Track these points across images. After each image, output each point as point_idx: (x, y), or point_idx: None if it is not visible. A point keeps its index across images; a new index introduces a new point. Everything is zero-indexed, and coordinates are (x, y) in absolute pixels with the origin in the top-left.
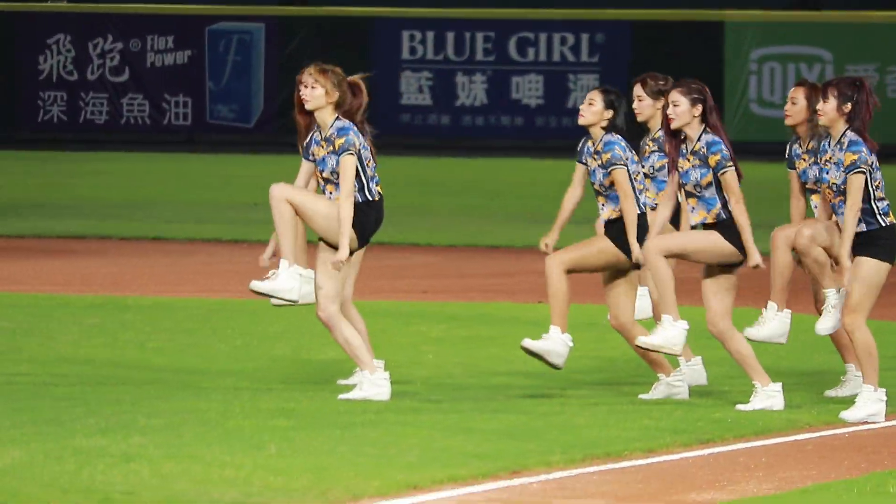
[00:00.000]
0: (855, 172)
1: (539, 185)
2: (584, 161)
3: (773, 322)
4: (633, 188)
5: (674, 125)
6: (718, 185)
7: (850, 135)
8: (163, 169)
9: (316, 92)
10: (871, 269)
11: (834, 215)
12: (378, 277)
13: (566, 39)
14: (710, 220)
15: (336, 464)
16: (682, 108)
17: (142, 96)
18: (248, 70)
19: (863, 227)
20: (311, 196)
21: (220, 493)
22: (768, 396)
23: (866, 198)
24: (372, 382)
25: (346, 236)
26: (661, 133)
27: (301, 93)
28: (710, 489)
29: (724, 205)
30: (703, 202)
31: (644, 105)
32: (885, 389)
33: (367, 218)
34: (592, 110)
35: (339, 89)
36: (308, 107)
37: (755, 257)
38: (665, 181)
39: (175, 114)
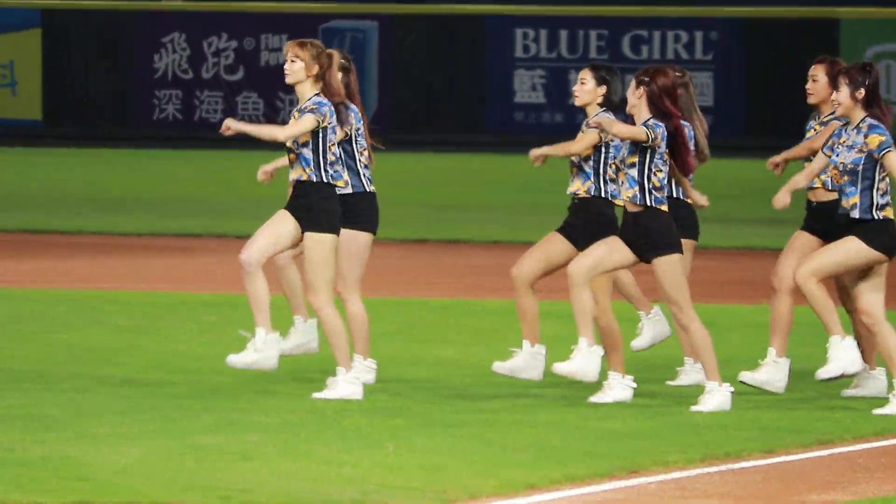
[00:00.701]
0: (887, 152)
1: None
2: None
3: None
4: (599, 170)
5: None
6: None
7: (870, 120)
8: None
9: (295, 66)
10: (856, 248)
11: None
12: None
13: (680, 37)
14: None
15: (452, 463)
16: (843, 95)
17: (256, 94)
18: (360, 68)
19: (856, 214)
20: (276, 235)
21: (337, 491)
22: (719, 393)
23: (870, 185)
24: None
25: (248, 126)
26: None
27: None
28: (831, 490)
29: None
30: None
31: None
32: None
33: (327, 202)
34: (585, 89)
35: (317, 62)
36: (288, 80)
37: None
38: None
39: (289, 112)
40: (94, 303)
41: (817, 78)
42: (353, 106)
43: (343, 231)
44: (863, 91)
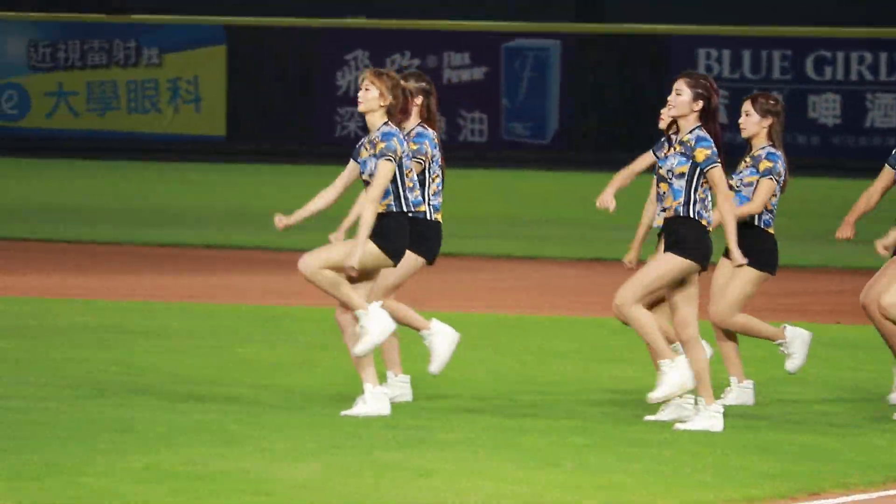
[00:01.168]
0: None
1: (833, 205)
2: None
3: None
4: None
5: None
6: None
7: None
8: (456, 184)
9: (370, 94)
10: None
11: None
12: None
13: (864, 58)
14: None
15: (631, 482)
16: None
17: (438, 112)
18: (543, 87)
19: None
20: (333, 249)
21: None
22: (710, 416)
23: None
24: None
25: (363, 239)
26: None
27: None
28: None
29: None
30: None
31: (751, 121)
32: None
33: (397, 226)
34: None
35: (392, 93)
36: (360, 108)
37: (737, 256)
38: (748, 198)
39: (470, 130)
40: (274, 317)
41: None
42: (429, 132)
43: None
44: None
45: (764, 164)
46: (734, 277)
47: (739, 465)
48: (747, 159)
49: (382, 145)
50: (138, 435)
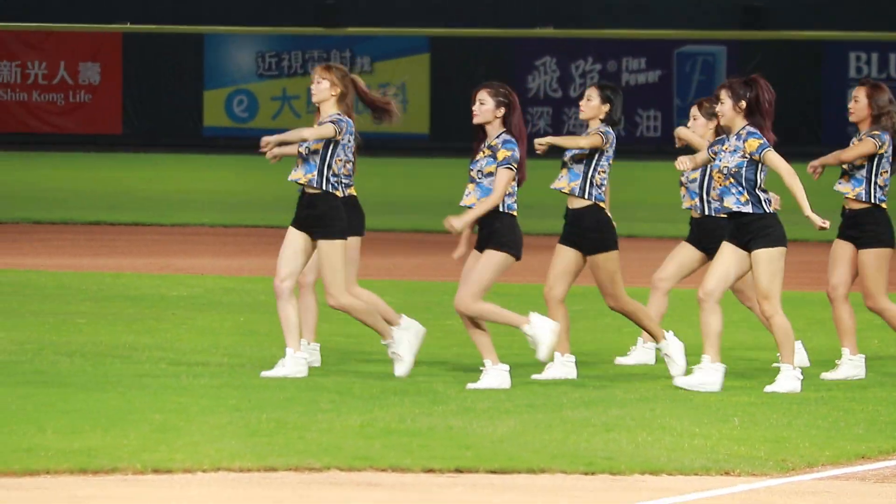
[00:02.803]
0: (768, 151)
1: None
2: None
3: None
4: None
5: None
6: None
7: (749, 128)
8: (634, 176)
9: (322, 86)
10: (772, 256)
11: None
12: None
13: None
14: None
15: (793, 435)
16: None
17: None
18: (710, 88)
19: (749, 209)
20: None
21: (689, 459)
22: (498, 373)
23: (753, 186)
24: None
25: (280, 136)
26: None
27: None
28: None
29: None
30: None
31: (698, 124)
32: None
33: (334, 210)
34: (591, 105)
35: (342, 83)
36: (314, 100)
37: (459, 222)
38: (696, 193)
39: (646, 127)
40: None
41: (859, 99)
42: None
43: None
44: (744, 103)
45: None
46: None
47: (890, 419)
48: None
49: (336, 118)
50: (356, 397)
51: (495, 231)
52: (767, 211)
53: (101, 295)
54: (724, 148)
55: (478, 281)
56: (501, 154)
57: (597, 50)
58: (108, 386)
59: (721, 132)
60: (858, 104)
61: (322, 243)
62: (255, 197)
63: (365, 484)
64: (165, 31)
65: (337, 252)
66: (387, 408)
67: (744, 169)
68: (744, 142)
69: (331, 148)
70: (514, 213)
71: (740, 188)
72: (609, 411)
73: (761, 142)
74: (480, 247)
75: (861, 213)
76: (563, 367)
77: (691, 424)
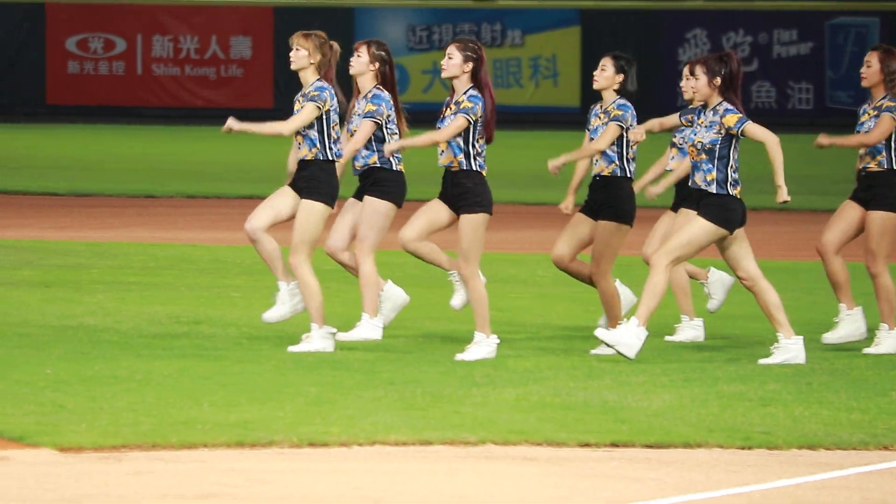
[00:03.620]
0: (745, 124)
1: None
2: (588, 126)
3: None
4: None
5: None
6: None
7: (725, 104)
8: (785, 147)
9: (300, 54)
10: (701, 228)
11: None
12: None
13: None
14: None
15: None
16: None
17: (769, 84)
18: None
19: (712, 189)
20: (277, 207)
21: (847, 434)
22: (487, 345)
23: (726, 164)
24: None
25: (247, 125)
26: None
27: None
28: None
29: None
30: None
31: (699, 84)
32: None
33: (327, 175)
34: (605, 75)
35: (320, 51)
36: (293, 67)
37: (392, 145)
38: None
39: (798, 99)
40: (625, 267)
41: (871, 64)
42: (384, 94)
43: (366, 198)
44: (719, 79)
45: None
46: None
47: None
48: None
49: (315, 94)
50: (510, 371)
51: (468, 191)
52: (730, 193)
53: (256, 269)
54: (699, 121)
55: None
56: (464, 105)
57: (748, 22)
58: (262, 359)
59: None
60: (871, 69)
61: (305, 202)
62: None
63: (520, 458)
64: (316, 5)
65: (318, 214)
66: (541, 381)
67: (717, 146)
68: (721, 117)
69: (323, 120)
70: (483, 172)
71: (711, 165)
72: (766, 385)
73: (740, 116)
74: (453, 205)
75: (877, 175)
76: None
77: (848, 398)
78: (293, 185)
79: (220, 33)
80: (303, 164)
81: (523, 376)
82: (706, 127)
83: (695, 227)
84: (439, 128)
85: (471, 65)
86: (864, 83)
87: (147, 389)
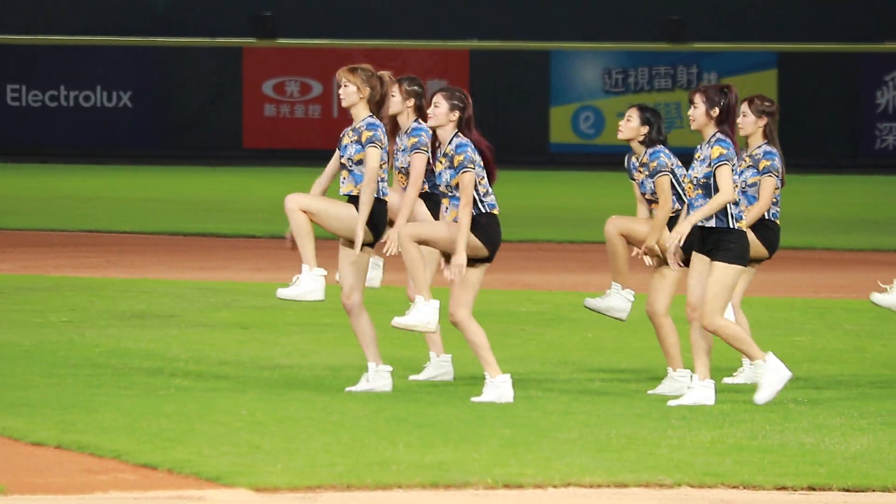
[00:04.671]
0: (721, 164)
1: None
2: (633, 177)
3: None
4: (678, 192)
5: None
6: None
7: (719, 135)
8: None
9: (348, 90)
10: (723, 272)
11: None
12: None
13: None
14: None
15: None
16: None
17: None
18: None
19: (712, 224)
20: (324, 201)
21: None
22: (496, 387)
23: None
24: (377, 374)
25: (362, 219)
26: (758, 149)
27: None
28: None
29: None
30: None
31: (747, 121)
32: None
33: (377, 213)
34: (630, 126)
35: (368, 84)
36: (343, 104)
37: (458, 258)
38: (755, 197)
39: None
40: (824, 308)
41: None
42: (423, 125)
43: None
44: (717, 110)
45: (763, 164)
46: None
47: None
48: (746, 158)
49: (369, 133)
50: (706, 413)
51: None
52: (732, 226)
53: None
54: (696, 156)
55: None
56: (457, 159)
57: None
58: (457, 401)
59: (767, 133)
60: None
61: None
62: (599, 213)
63: (717, 501)
64: (512, 48)
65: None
66: (737, 424)
67: (712, 179)
68: (711, 148)
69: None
70: (495, 212)
71: (708, 199)
72: None
73: (724, 152)
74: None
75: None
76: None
77: None
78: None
79: (417, 76)
80: (352, 199)
81: (719, 419)
82: (700, 161)
83: (718, 274)
84: (439, 185)
85: (457, 113)
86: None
87: (342, 430)
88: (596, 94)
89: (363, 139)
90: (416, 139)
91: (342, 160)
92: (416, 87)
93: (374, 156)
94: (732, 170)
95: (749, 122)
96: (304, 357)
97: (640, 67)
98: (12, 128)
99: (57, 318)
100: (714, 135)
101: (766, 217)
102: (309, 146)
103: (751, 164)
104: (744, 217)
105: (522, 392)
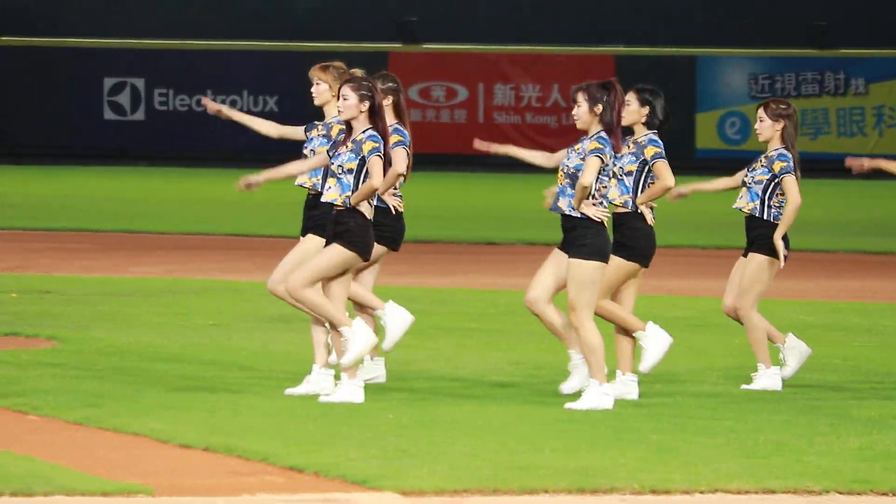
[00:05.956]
0: (593, 156)
1: None
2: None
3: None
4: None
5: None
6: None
7: (602, 133)
8: None
9: (320, 87)
10: (580, 269)
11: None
12: None
13: None
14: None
15: None
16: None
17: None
18: None
19: (577, 214)
20: (292, 257)
21: None
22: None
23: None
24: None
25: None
26: (774, 151)
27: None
28: None
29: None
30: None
31: (764, 126)
32: (610, 384)
33: (359, 226)
34: (630, 110)
35: (340, 82)
36: (316, 102)
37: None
38: (758, 195)
39: None
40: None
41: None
42: (401, 127)
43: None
44: (601, 107)
45: (778, 165)
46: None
47: None
48: (762, 159)
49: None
50: (854, 420)
51: (349, 229)
52: (583, 216)
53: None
54: (575, 147)
55: (313, 268)
56: (368, 146)
57: None
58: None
59: (785, 137)
60: (763, 124)
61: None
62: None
63: None
64: (657, 54)
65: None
66: (886, 431)
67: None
68: (589, 142)
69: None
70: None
71: (573, 191)
72: None
73: (596, 147)
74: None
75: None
76: (624, 387)
77: None
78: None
79: (561, 82)
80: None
81: (867, 426)
82: (577, 153)
83: (571, 271)
84: (332, 163)
85: (367, 104)
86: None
87: (487, 434)
88: (742, 100)
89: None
90: (401, 137)
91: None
92: (391, 84)
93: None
94: (603, 165)
95: (766, 127)
96: (448, 361)
97: (786, 73)
98: (160, 133)
99: (203, 321)
100: (598, 132)
101: (766, 217)
102: (454, 151)
103: (765, 164)
104: (780, 217)
105: (669, 398)
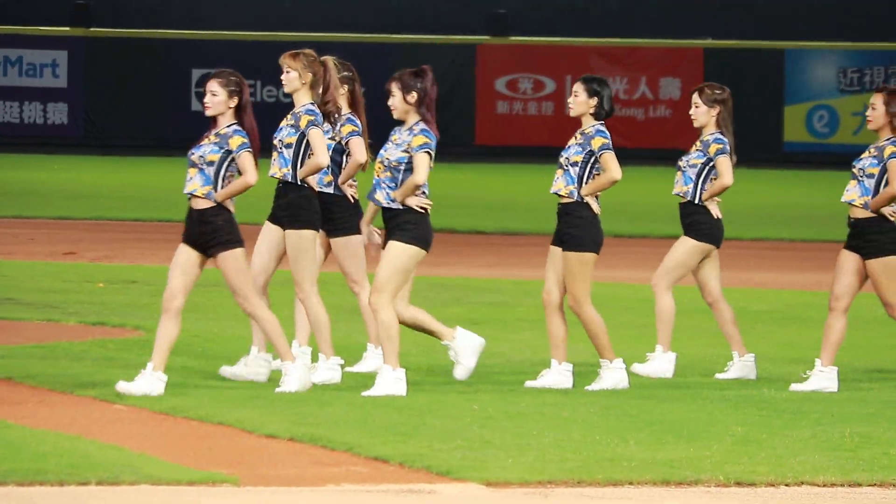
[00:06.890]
0: (421, 152)
1: None
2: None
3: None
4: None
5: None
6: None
7: (422, 124)
8: None
9: (290, 75)
10: (399, 251)
11: None
12: None
13: None
14: None
15: None
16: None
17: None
18: None
19: (396, 206)
20: (272, 261)
21: None
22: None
23: (401, 179)
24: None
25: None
26: (710, 136)
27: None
28: None
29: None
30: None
31: (699, 112)
32: (404, 369)
33: (301, 197)
34: (578, 101)
35: (310, 70)
36: (285, 90)
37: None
38: (691, 179)
39: None
40: None
41: (876, 106)
42: (353, 117)
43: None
44: (414, 94)
45: (714, 147)
46: (676, 248)
47: None
48: (697, 143)
49: (312, 119)
50: None
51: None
52: (414, 207)
53: (683, 308)
54: (392, 139)
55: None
56: (236, 140)
57: None
58: (689, 398)
59: (721, 123)
60: (876, 111)
61: (290, 233)
62: (831, 212)
63: None
64: (746, 47)
65: (305, 243)
66: None
67: (403, 164)
68: (412, 136)
69: (303, 142)
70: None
71: (394, 184)
72: None
73: (424, 142)
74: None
75: (865, 222)
76: (559, 376)
77: None
78: (272, 216)
79: (649, 74)
80: (278, 187)
81: None
82: (397, 144)
83: (387, 253)
84: (192, 153)
85: (235, 99)
86: (870, 126)
87: (573, 426)
88: (831, 94)
89: (301, 123)
90: (355, 128)
91: (275, 140)
92: (346, 74)
93: (317, 137)
94: (430, 157)
95: (701, 113)
96: (534, 353)
97: (875, 67)
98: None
99: (289, 311)
100: (417, 122)
101: (698, 202)
102: (541, 143)
103: (700, 148)
104: (707, 192)
105: (755, 391)
